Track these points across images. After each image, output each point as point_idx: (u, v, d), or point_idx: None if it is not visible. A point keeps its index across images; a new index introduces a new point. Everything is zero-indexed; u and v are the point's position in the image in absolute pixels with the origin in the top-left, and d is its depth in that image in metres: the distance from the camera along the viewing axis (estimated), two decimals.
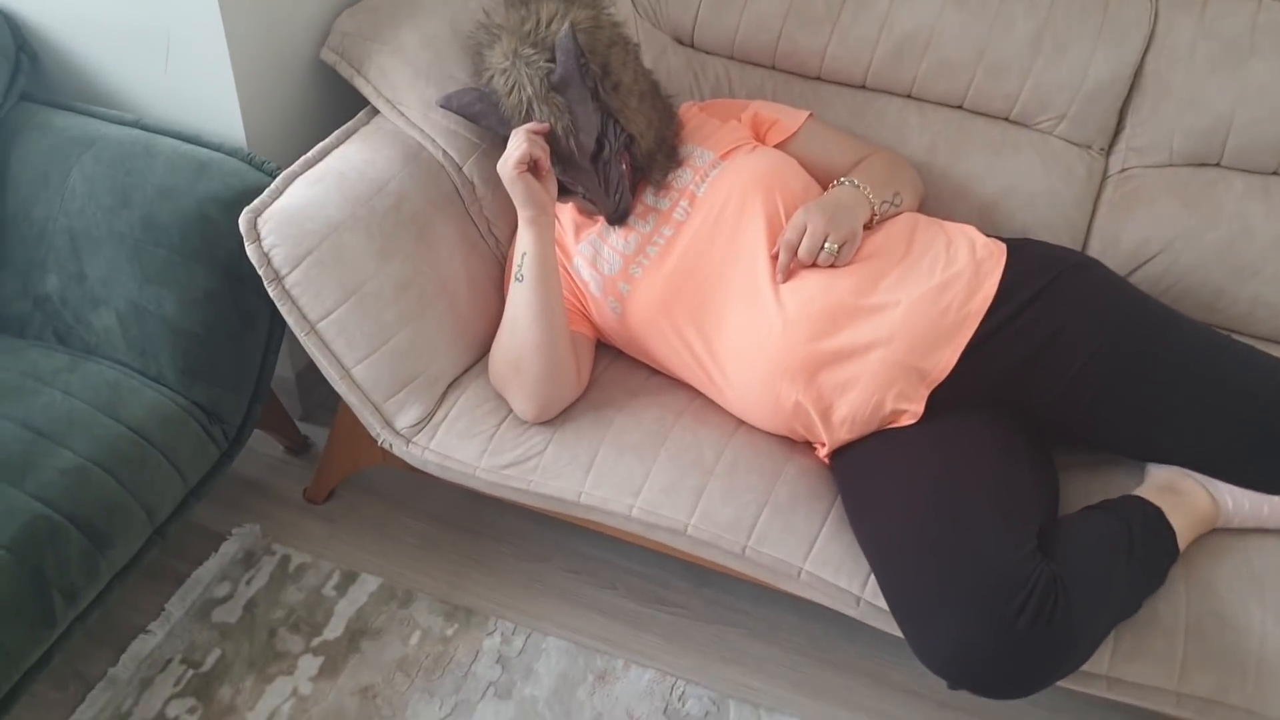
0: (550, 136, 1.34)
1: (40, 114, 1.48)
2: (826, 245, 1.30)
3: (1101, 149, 1.60)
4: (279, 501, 1.70)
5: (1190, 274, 1.53)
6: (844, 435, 1.30)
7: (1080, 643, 1.12)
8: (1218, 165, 1.54)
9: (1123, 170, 1.58)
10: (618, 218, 1.40)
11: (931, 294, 1.28)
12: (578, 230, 1.46)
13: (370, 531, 1.66)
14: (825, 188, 1.46)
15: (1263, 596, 1.21)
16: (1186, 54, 1.50)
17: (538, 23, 1.36)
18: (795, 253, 1.31)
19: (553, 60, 1.34)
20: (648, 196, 1.43)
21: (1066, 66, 1.54)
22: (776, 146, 1.50)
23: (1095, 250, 1.57)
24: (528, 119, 1.35)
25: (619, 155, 1.38)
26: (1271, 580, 1.22)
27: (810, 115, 1.54)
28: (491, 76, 1.38)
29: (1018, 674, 1.09)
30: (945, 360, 1.27)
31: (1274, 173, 1.52)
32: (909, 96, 1.65)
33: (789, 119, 1.52)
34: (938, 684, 1.50)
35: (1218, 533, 1.28)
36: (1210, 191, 1.52)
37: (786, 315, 1.29)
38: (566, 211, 1.48)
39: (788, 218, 1.35)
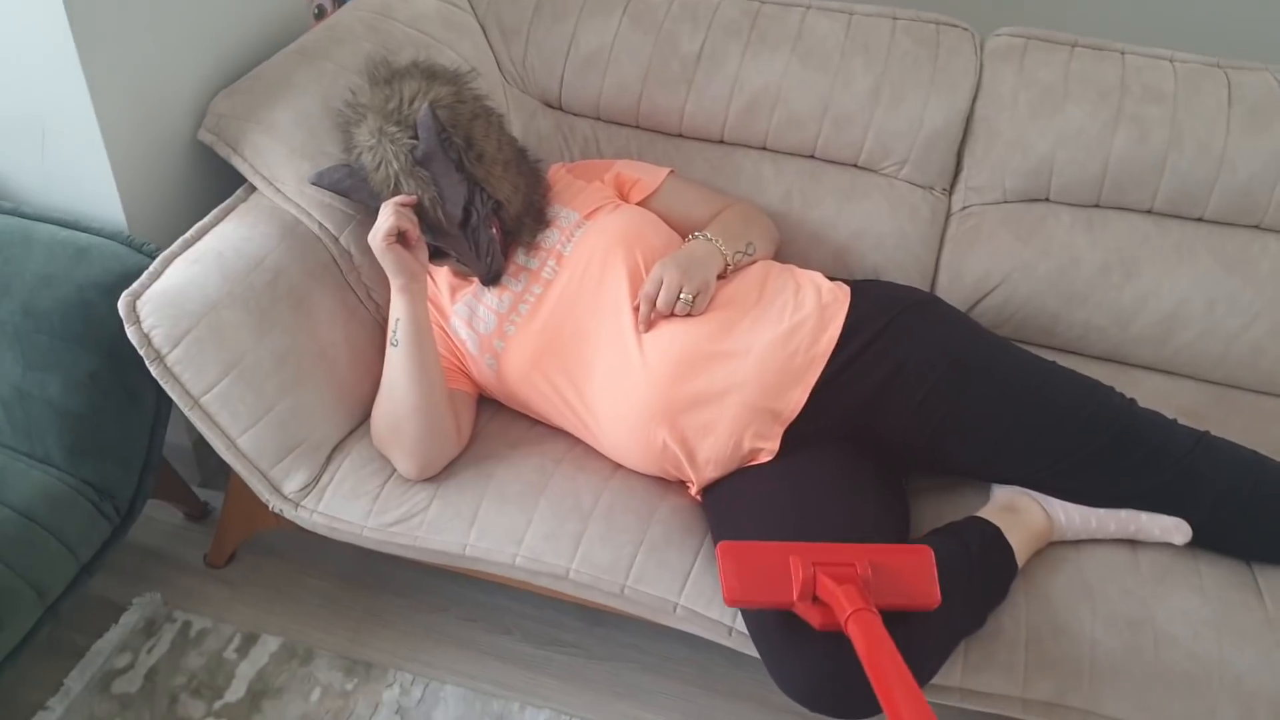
0: (419, 207, 1.41)
1: None
2: (682, 296, 1.38)
3: (944, 189, 1.72)
4: (180, 568, 1.74)
5: (1028, 303, 1.64)
6: (709, 474, 1.39)
7: (924, 661, 1.21)
8: (1047, 200, 1.67)
9: (964, 208, 1.70)
10: (490, 278, 1.47)
11: (780, 339, 1.37)
12: (453, 291, 1.53)
13: (271, 592, 1.70)
14: (685, 240, 1.56)
15: (1093, 604, 1.31)
16: (1010, 101, 1.63)
17: (401, 101, 1.43)
18: (654, 304, 1.39)
19: (415, 137, 1.41)
20: (519, 256, 1.51)
21: (904, 116, 1.66)
22: (640, 204, 1.59)
23: (942, 284, 1.69)
24: (396, 192, 1.42)
25: (488, 220, 1.45)
26: (1100, 589, 1.32)
27: (671, 172, 1.63)
28: (360, 153, 1.45)
29: (864, 694, 1.17)
30: (796, 400, 1.36)
31: (1095, 205, 1.65)
32: (764, 148, 1.75)
33: (650, 177, 1.61)
34: None
35: (1055, 546, 1.38)
36: (1042, 225, 1.65)
37: (648, 363, 1.38)
38: (443, 273, 1.55)
39: (648, 271, 1.44)
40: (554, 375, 1.44)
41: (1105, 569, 1.35)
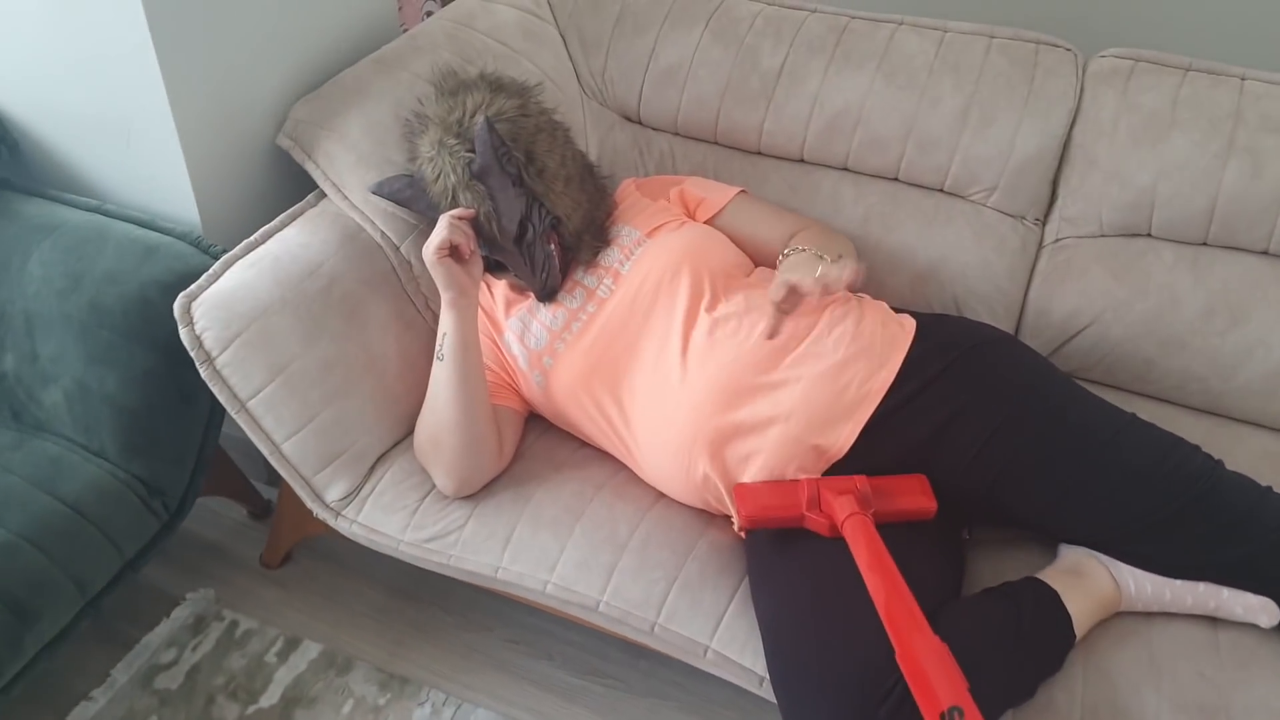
0: (475, 221, 1.39)
1: (14, 202, 1.58)
2: (820, 271, 1.25)
3: (1036, 219, 1.60)
4: (237, 565, 1.76)
5: (1120, 346, 1.51)
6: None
7: None
8: (1148, 235, 1.53)
9: (1057, 240, 1.58)
10: (546, 295, 1.44)
11: (832, 371, 1.29)
12: (509, 305, 1.50)
13: (321, 598, 1.71)
14: (756, 263, 1.49)
15: (1159, 685, 1.17)
16: (1110, 128, 1.50)
17: (463, 113, 1.42)
18: (792, 294, 1.23)
19: (474, 150, 1.39)
20: (578, 273, 1.47)
21: (994, 140, 1.55)
22: (707, 222, 1.53)
23: (1029, 321, 1.57)
24: (453, 205, 1.40)
25: (545, 236, 1.42)
26: (1169, 668, 1.19)
27: (741, 191, 1.56)
28: (421, 164, 1.44)
29: None
30: (845, 437, 1.28)
31: (1202, 243, 1.50)
32: (845, 169, 1.67)
33: (717, 195, 1.55)
34: None
35: (1124, 617, 1.25)
36: (1140, 262, 1.51)
37: (691, 387, 1.32)
38: (500, 287, 1.52)
39: (710, 289, 1.38)
40: (600, 396, 1.40)
41: (1178, 647, 1.22)
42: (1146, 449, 1.23)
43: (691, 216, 1.55)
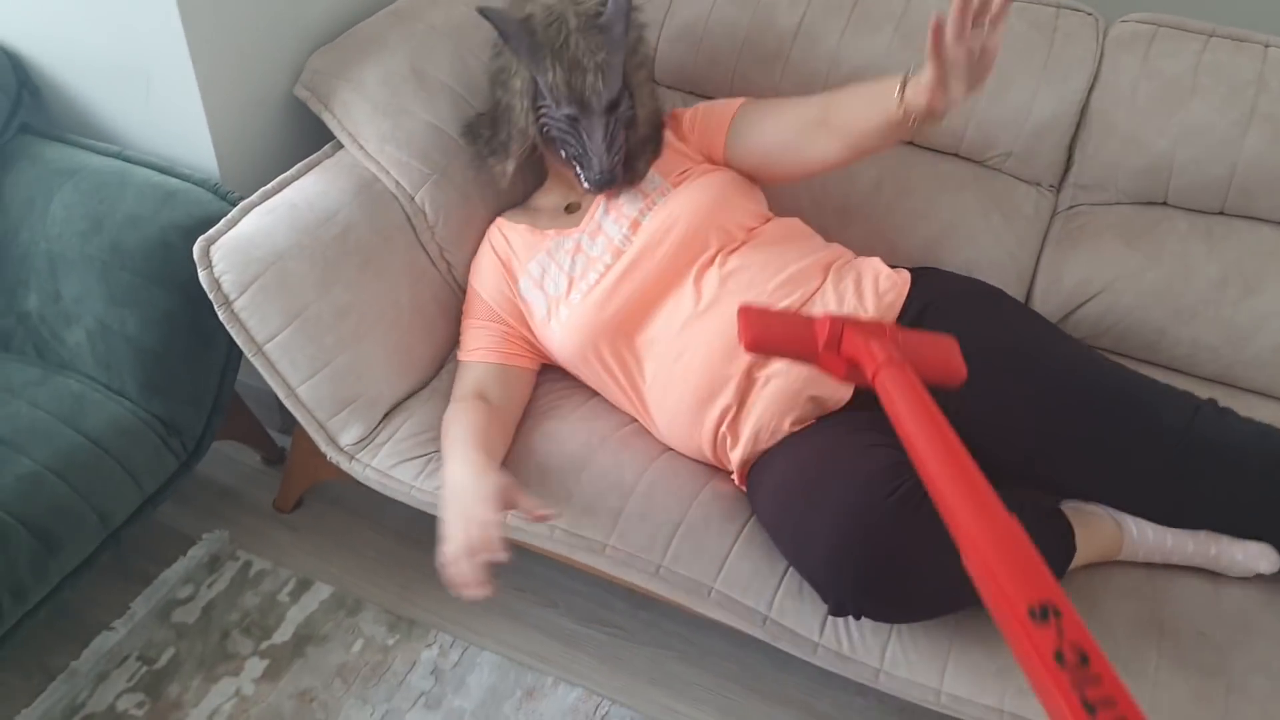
0: (573, 75, 1.37)
1: (35, 145, 1.60)
2: None
3: (1051, 185, 1.59)
4: (250, 509, 1.80)
5: (1131, 314, 1.51)
6: (744, 453, 1.33)
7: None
8: (1164, 204, 1.53)
9: (1071, 207, 1.58)
10: (601, 181, 1.40)
11: None
12: (529, 250, 1.50)
13: (332, 541, 1.74)
14: (784, 170, 1.47)
15: (1161, 643, 1.19)
16: (1129, 93, 1.50)
17: None
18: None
19: (603, 3, 1.40)
20: (598, 215, 1.47)
21: (1010, 104, 1.54)
22: (724, 148, 1.50)
23: (1040, 287, 1.57)
24: (561, 53, 1.37)
25: (622, 128, 1.42)
26: (1171, 626, 1.21)
27: (744, 102, 1.51)
28: (531, 14, 1.41)
29: (891, 563, 1.12)
30: (843, 392, 1.29)
31: (1219, 212, 1.50)
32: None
33: (719, 116, 1.51)
34: (863, 714, 1.51)
35: (1125, 571, 1.26)
36: (1154, 230, 1.51)
37: (696, 344, 1.33)
38: (519, 231, 1.52)
39: (722, 244, 1.39)
40: (616, 347, 1.41)
41: (1180, 605, 1.23)
42: (1135, 390, 1.24)
43: (710, 154, 1.52)
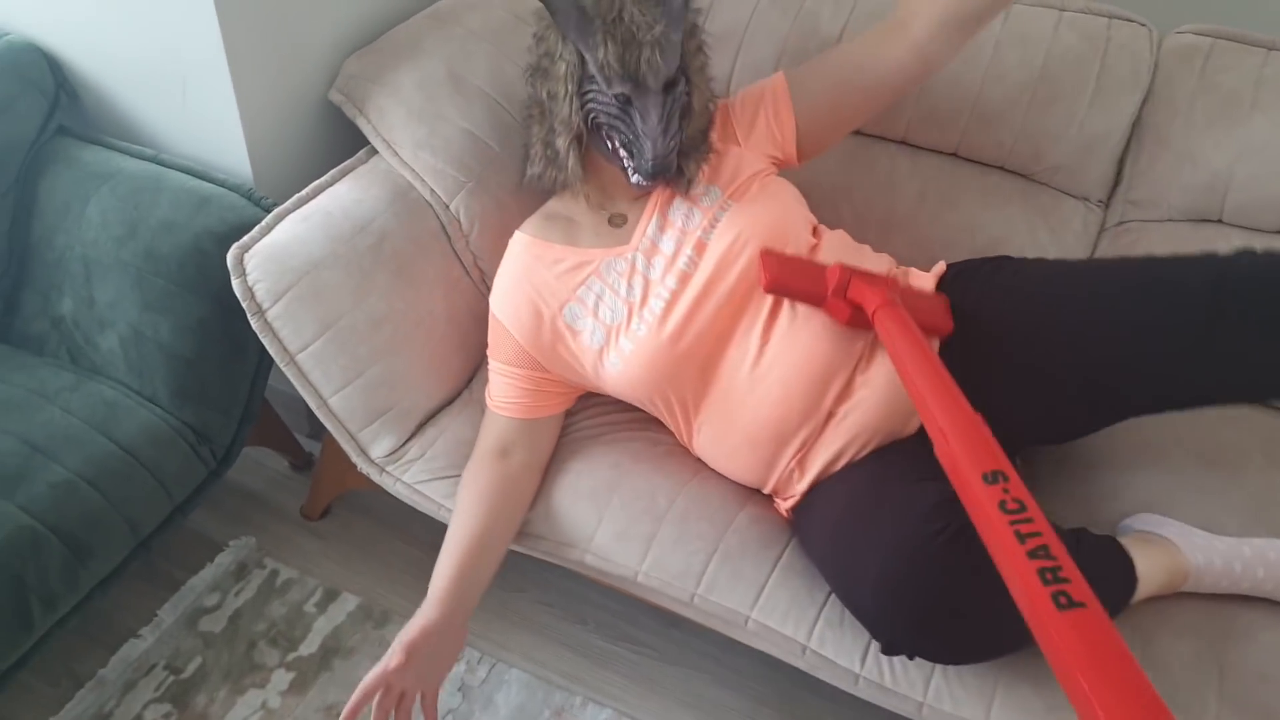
0: (627, 50, 1.27)
1: (72, 148, 1.60)
2: None
3: (1100, 201, 1.56)
4: (278, 515, 1.79)
5: None
6: (810, 485, 1.30)
7: (998, 626, 1.10)
8: (1219, 221, 1.48)
9: (1120, 223, 1.54)
10: (657, 167, 1.28)
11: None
12: (575, 270, 1.36)
13: (359, 551, 1.73)
14: (859, 101, 1.42)
15: (1221, 685, 1.15)
16: (1185, 107, 1.46)
17: None
18: None
19: None
20: (650, 231, 1.36)
21: (1059, 117, 1.51)
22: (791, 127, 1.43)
23: None
24: (616, 22, 1.26)
25: (679, 111, 1.32)
26: (1233, 669, 1.16)
27: (780, 76, 1.45)
28: None
29: (943, 602, 1.08)
30: (911, 425, 1.27)
31: (1277, 231, 1.45)
32: (902, 142, 1.63)
33: (775, 94, 1.43)
34: None
35: (1187, 608, 1.22)
36: (1207, 249, 1.46)
37: (779, 376, 1.27)
38: (554, 250, 1.39)
39: None
40: (678, 383, 1.33)
41: (1242, 646, 1.19)
42: (1159, 270, 1.20)
43: (771, 137, 1.43)
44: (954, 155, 1.61)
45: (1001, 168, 1.59)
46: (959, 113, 1.55)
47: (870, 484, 1.21)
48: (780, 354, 1.27)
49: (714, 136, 1.41)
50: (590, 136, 1.36)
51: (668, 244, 1.34)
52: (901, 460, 1.24)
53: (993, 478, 0.89)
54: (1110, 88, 1.49)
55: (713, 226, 1.33)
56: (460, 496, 1.37)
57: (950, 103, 1.55)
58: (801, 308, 1.28)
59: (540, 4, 1.35)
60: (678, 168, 1.33)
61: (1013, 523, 0.86)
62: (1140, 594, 1.19)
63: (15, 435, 1.37)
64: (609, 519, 1.35)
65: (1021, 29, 1.53)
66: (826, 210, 1.55)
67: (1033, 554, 0.84)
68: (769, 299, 1.29)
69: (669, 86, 1.29)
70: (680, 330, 1.29)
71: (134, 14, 1.49)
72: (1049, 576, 0.82)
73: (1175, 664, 1.18)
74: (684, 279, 1.31)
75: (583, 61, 1.32)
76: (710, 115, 1.39)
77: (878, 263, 1.39)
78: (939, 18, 1.32)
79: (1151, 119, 1.49)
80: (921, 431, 1.26)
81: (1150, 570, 1.19)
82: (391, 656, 1.20)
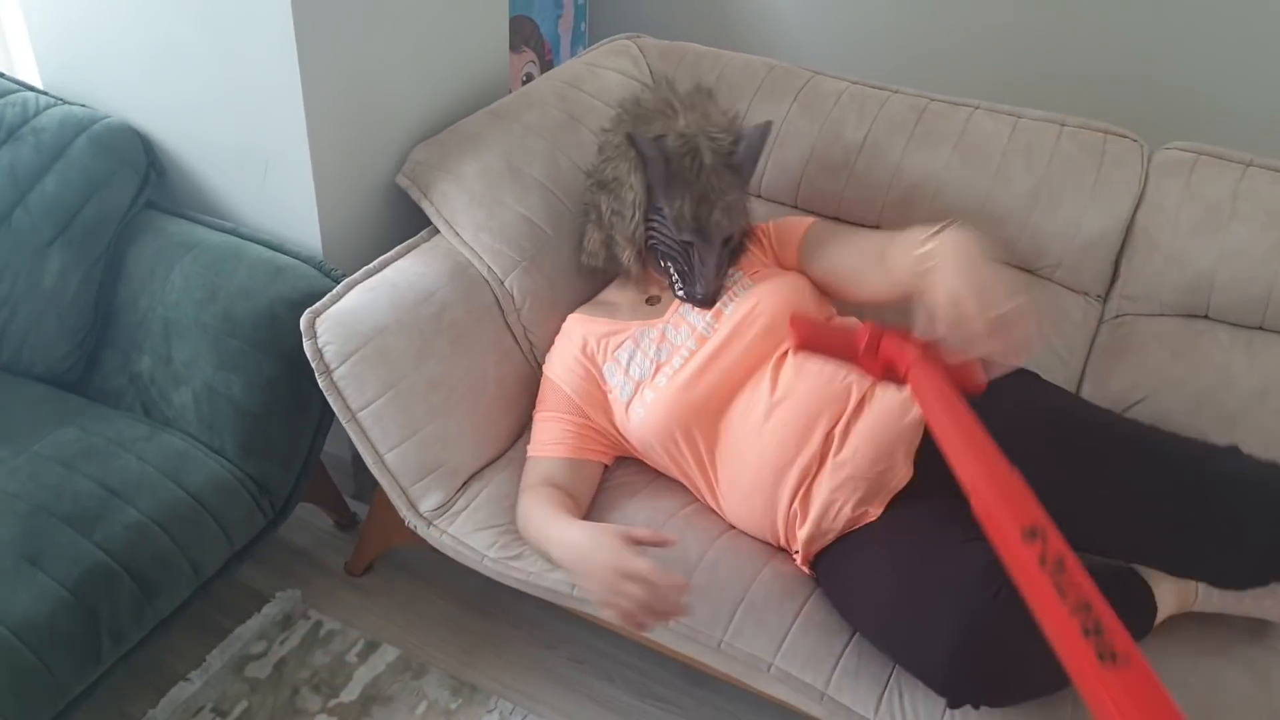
0: (700, 208, 1.49)
1: (158, 220, 1.74)
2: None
3: (1098, 295, 1.70)
4: (322, 570, 1.88)
5: (1174, 419, 1.57)
6: (813, 532, 1.40)
7: (1033, 672, 1.19)
8: (1205, 317, 1.62)
9: (1117, 316, 1.68)
10: (706, 301, 1.52)
11: (901, 406, 1.39)
12: (614, 335, 1.57)
13: (399, 606, 1.82)
14: (843, 291, 1.57)
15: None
16: (1172, 215, 1.61)
17: (720, 115, 1.56)
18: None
19: (736, 143, 1.51)
20: (683, 307, 1.57)
21: (1061, 219, 1.66)
22: (797, 254, 1.62)
23: (1086, 391, 1.66)
24: (696, 179, 1.47)
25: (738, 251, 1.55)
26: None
27: (814, 220, 1.65)
28: (667, 138, 1.51)
29: (1012, 666, 1.17)
30: (904, 473, 1.38)
31: (1259, 327, 1.59)
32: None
33: (793, 226, 1.64)
34: None
35: (1174, 659, 1.31)
36: (1198, 342, 1.60)
37: (778, 425, 1.41)
38: (600, 324, 1.60)
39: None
40: (691, 432, 1.48)
41: (1227, 698, 1.28)
42: (1173, 446, 1.30)
43: (784, 265, 1.63)
44: None
45: (1007, 263, 1.73)
46: (970, 213, 1.70)
47: (913, 549, 1.29)
48: (780, 411, 1.41)
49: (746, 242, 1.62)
50: (646, 253, 1.59)
51: (693, 315, 1.55)
52: (933, 520, 1.32)
53: (1031, 534, 0.90)
54: (1106, 194, 1.64)
55: (732, 299, 1.53)
56: (530, 518, 1.46)
57: (963, 204, 1.71)
58: (805, 371, 1.42)
59: (616, 127, 1.59)
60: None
61: (1053, 578, 0.87)
62: (1163, 613, 1.29)
63: (94, 479, 1.48)
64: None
65: (1027, 139, 1.70)
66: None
67: (1075, 610, 0.85)
68: (773, 361, 1.45)
69: (728, 240, 1.51)
70: (695, 379, 1.47)
71: (226, 99, 1.65)
72: (1091, 630, 0.84)
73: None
74: (701, 340, 1.51)
75: (649, 193, 1.53)
76: (748, 234, 1.60)
77: None
78: (891, 285, 1.41)
79: (1144, 223, 1.64)
80: (921, 482, 1.36)
81: (1165, 595, 1.29)
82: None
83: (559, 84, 1.89)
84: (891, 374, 1.19)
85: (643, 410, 1.50)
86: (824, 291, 1.62)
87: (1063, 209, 1.66)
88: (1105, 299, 1.70)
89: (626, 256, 1.58)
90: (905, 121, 1.77)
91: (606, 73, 1.94)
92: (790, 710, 1.42)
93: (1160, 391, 1.60)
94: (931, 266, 1.23)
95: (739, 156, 1.50)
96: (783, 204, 1.88)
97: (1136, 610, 1.28)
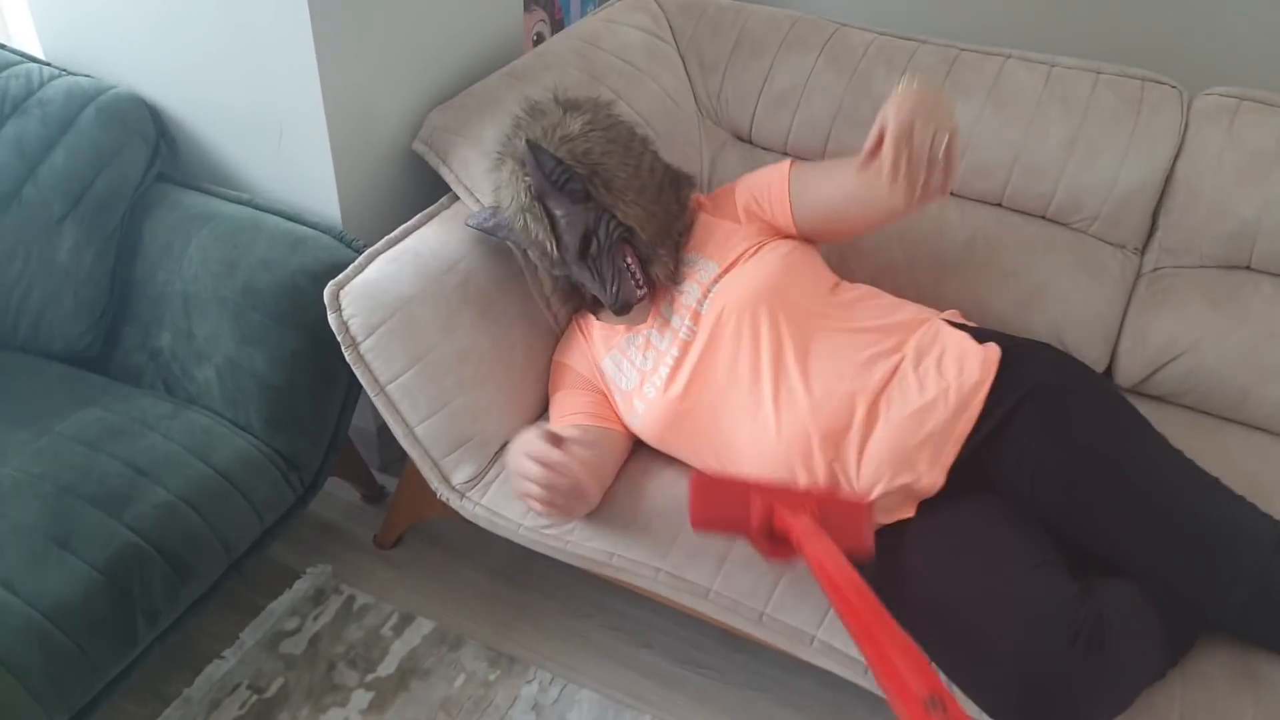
0: (539, 251, 1.49)
1: (172, 193, 1.70)
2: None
3: (1136, 248, 1.66)
4: (352, 545, 1.86)
5: (1215, 374, 1.57)
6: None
7: (1128, 676, 1.18)
8: (1247, 268, 1.59)
9: (1155, 269, 1.64)
10: (620, 306, 1.46)
11: (918, 416, 1.34)
12: (605, 342, 1.57)
13: (431, 578, 1.80)
14: (852, 221, 1.49)
15: (1258, 694, 1.23)
16: (1214, 163, 1.57)
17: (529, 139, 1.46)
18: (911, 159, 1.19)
19: (556, 168, 1.44)
20: (664, 309, 1.51)
21: (1098, 171, 1.62)
22: (789, 215, 1.52)
23: (1125, 346, 1.63)
24: (524, 229, 1.47)
25: (618, 249, 1.46)
26: (1268, 678, 1.24)
27: (792, 163, 1.54)
28: (498, 205, 1.53)
29: (1075, 702, 1.15)
30: (933, 480, 1.33)
31: None
32: (950, 192, 1.74)
33: (776, 181, 1.52)
34: None
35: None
36: (1239, 293, 1.57)
37: (783, 433, 1.37)
38: (596, 326, 1.60)
39: (793, 335, 1.40)
40: (691, 444, 1.47)
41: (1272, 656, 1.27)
42: (1217, 526, 1.24)
43: (773, 224, 1.54)
44: (999, 205, 1.72)
45: (1043, 217, 1.69)
46: (1004, 166, 1.67)
47: (973, 561, 1.26)
48: (786, 418, 1.37)
49: (701, 218, 1.56)
50: (567, 295, 1.63)
51: (675, 318, 1.49)
52: (982, 526, 1.29)
53: (932, 704, 0.89)
54: (1144, 144, 1.60)
55: (706, 297, 1.46)
56: None
57: (996, 157, 1.67)
58: (810, 377, 1.38)
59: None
60: (646, 279, 1.48)
61: None
62: None
63: (121, 459, 1.45)
64: (683, 537, 1.43)
65: (1062, 89, 1.65)
66: (880, 255, 1.67)
67: None
68: (769, 366, 1.39)
69: (584, 251, 1.46)
70: (682, 393, 1.44)
71: (237, 65, 1.60)
72: None
73: (1212, 672, 1.25)
74: (684, 347, 1.46)
75: (525, 255, 1.57)
76: (672, 211, 1.52)
77: (905, 329, 1.43)
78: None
79: (1184, 173, 1.60)
80: (973, 482, 1.33)
81: None
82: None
83: (577, 42, 1.84)
84: (784, 547, 1.18)
85: (637, 421, 1.50)
86: (826, 235, 1.54)
87: (1100, 160, 1.61)
88: (1143, 251, 1.67)
89: (557, 303, 1.63)
90: (935, 73, 1.72)
91: (625, 29, 1.89)
92: (835, 679, 1.41)
93: (1201, 345, 1.57)
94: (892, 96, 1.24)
95: (534, 186, 1.44)
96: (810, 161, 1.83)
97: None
